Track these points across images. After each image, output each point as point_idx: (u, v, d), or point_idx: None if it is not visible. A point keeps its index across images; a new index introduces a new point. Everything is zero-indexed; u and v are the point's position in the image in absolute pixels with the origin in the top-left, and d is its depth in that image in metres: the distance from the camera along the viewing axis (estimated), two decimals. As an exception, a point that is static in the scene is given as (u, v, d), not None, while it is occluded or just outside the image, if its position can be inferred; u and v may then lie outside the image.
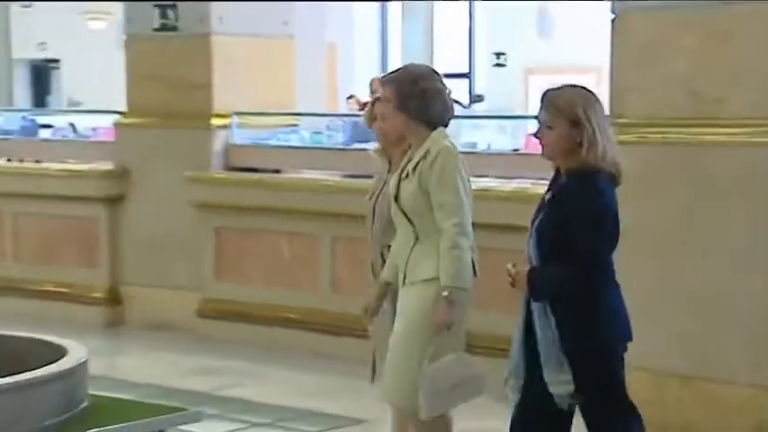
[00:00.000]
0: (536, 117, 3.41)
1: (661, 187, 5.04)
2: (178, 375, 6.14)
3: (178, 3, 7.29)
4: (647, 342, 5.06)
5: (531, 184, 5.89)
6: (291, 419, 5.30)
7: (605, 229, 3.26)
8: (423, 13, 13.87)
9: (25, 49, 16.10)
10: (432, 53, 13.84)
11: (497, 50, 14.32)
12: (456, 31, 14.44)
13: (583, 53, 12.62)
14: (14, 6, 15.25)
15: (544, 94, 3.37)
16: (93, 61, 14.94)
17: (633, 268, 5.07)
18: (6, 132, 8.86)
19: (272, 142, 7.46)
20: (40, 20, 15.77)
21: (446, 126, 3.88)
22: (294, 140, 7.40)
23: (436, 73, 3.92)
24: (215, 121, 7.36)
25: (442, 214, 3.71)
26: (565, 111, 3.28)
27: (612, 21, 5.33)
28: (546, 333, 3.26)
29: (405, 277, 3.76)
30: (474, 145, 7.03)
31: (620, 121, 5.06)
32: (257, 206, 6.99)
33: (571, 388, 3.24)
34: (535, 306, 3.29)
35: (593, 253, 3.23)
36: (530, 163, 5.95)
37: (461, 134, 7.09)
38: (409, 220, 3.78)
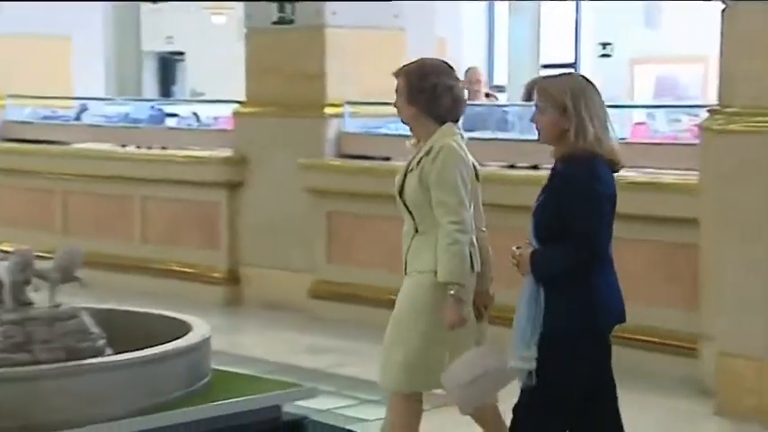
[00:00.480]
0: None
1: None
2: (292, 353, 6.22)
3: (295, -2, 7.36)
4: (746, 331, 4.95)
5: (637, 172, 5.79)
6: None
7: (601, 212, 3.22)
8: (530, 8, 13.73)
9: (154, 43, 16.48)
10: (538, 46, 13.68)
11: (604, 41, 14.07)
12: (562, 22, 14.25)
13: (690, 43, 12.31)
14: (146, 3, 15.61)
15: (539, 81, 3.37)
16: (214, 54, 15.21)
17: (729, 257, 4.97)
18: (135, 121, 9.08)
19: (383, 131, 7.48)
20: (167, 15, 16.12)
21: (456, 121, 3.80)
22: (403, 129, 7.38)
23: (450, 68, 3.85)
24: (328, 111, 7.41)
25: (441, 211, 3.65)
26: (554, 98, 3.26)
27: (722, 11, 5.19)
28: (529, 310, 3.21)
29: (405, 267, 3.74)
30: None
31: (729, 110, 4.93)
32: (368, 192, 7.01)
33: (531, 366, 3.18)
34: (527, 282, 3.24)
35: (588, 235, 3.19)
36: (636, 152, 5.85)
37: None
38: (410, 212, 3.73)
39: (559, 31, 14.27)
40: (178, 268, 7.99)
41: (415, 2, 8.14)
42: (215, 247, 7.89)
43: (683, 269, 5.69)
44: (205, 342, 2.49)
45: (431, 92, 3.73)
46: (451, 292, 3.58)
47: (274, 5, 7.46)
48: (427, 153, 3.72)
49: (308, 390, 2.49)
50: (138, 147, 8.88)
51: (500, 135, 7.02)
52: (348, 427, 3.73)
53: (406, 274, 3.75)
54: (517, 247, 3.28)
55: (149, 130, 8.89)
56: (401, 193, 3.76)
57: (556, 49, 13.93)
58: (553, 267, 3.21)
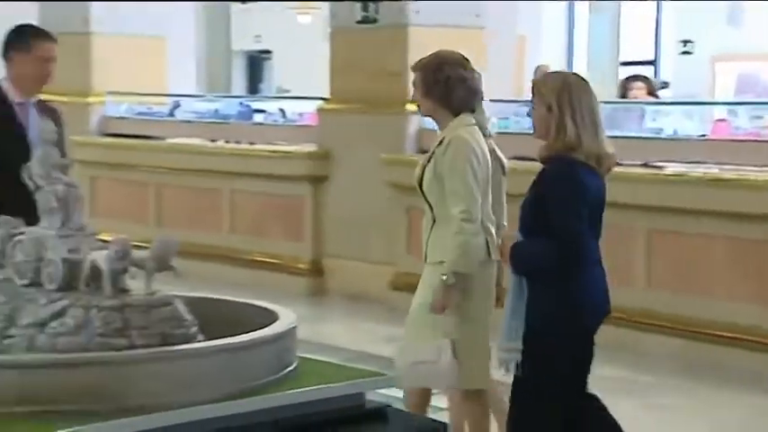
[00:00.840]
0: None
1: None
2: (373, 342, 6.25)
3: (379, -2, 7.38)
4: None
5: (719, 169, 5.69)
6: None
7: (578, 213, 3.17)
8: (610, 7, 13.54)
9: (242, 42, 16.68)
10: (618, 44, 13.48)
11: (685, 38, 13.80)
12: (643, 20, 14.02)
13: (774, 40, 12.02)
14: (235, 3, 15.81)
15: (536, 79, 3.36)
16: (300, 52, 15.32)
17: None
18: (225, 117, 9.21)
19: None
20: (256, 15, 16.30)
21: (473, 111, 3.78)
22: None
23: (465, 60, 3.82)
24: (410, 107, 7.41)
25: (451, 201, 3.64)
26: (542, 95, 3.24)
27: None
28: (515, 302, 3.20)
29: (426, 256, 3.75)
30: (659, 131, 6.82)
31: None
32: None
33: (517, 357, 3.16)
34: (512, 278, 3.23)
35: (562, 237, 3.15)
36: (717, 149, 5.75)
37: (646, 120, 6.89)
38: (428, 203, 3.73)
39: (640, 28, 14.04)
40: (264, 259, 8.08)
41: (497, 1, 8.10)
42: (299, 238, 7.96)
43: (764, 265, 5.57)
44: (291, 330, 2.51)
45: (445, 84, 3.73)
46: (443, 277, 3.59)
47: (358, 5, 7.49)
48: (440, 144, 3.73)
49: (390, 378, 2.50)
50: (227, 141, 9.00)
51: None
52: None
53: (425, 262, 3.78)
54: (508, 238, 3.30)
55: (238, 125, 9.00)
56: (420, 184, 3.77)
57: (636, 47, 13.72)
58: (529, 263, 3.21)
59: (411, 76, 8.12)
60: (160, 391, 2.21)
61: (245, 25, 16.37)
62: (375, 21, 7.45)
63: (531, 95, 3.31)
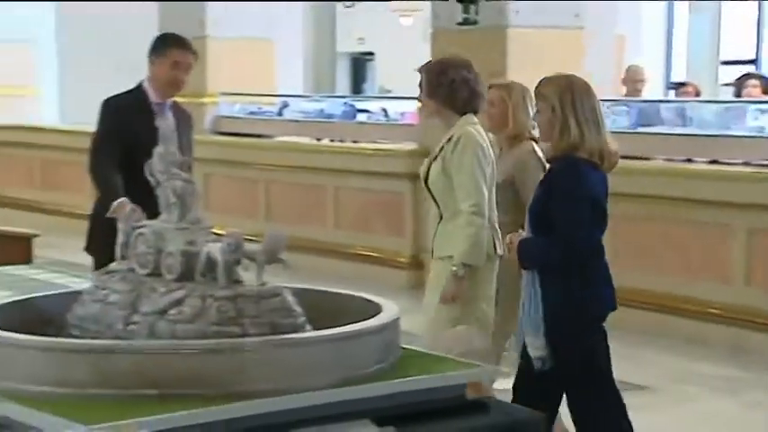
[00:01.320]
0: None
1: None
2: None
3: (480, -1, 7.37)
4: None
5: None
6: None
7: (583, 210, 3.22)
8: (710, 7, 13.20)
9: (346, 44, 16.81)
10: (718, 43, 13.14)
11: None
12: (743, 19, 13.63)
13: None
14: (339, 6, 15.95)
15: (538, 83, 3.39)
16: (401, 53, 15.35)
17: None
18: (329, 116, 9.30)
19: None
20: (360, 18, 16.40)
21: (476, 112, 3.83)
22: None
23: (468, 63, 3.87)
24: (508, 106, 7.37)
25: (460, 195, 3.67)
26: (545, 98, 3.28)
27: None
28: (530, 299, 3.21)
29: (432, 251, 3.77)
30: (762, 129, 6.63)
31: None
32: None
33: (544, 353, 3.17)
34: (525, 274, 3.25)
35: (565, 238, 3.19)
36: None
37: (747, 119, 6.71)
38: (434, 199, 3.74)
39: (740, 28, 13.65)
40: (367, 253, 8.14)
41: (596, 1, 7.98)
42: (400, 234, 7.99)
43: None
44: (395, 322, 2.53)
45: (449, 86, 3.78)
46: (453, 268, 3.62)
47: (459, 7, 7.48)
48: (448, 141, 3.76)
49: (490, 370, 2.50)
50: (331, 140, 9.09)
51: (678, 130, 6.81)
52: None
53: (432, 258, 3.81)
54: (517, 234, 3.33)
55: (342, 124, 9.08)
56: (426, 180, 3.80)
57: (736, 46, 13.34)
58: (535, 259, 3.23)
59: (510, 75, 8.13)
60: (272, 378, 2.25)
61: (349, 28, 16.48)
62: (475, 22, 7.43)
63: (535, 101, 3.36)
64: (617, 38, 10.02)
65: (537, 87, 3.35)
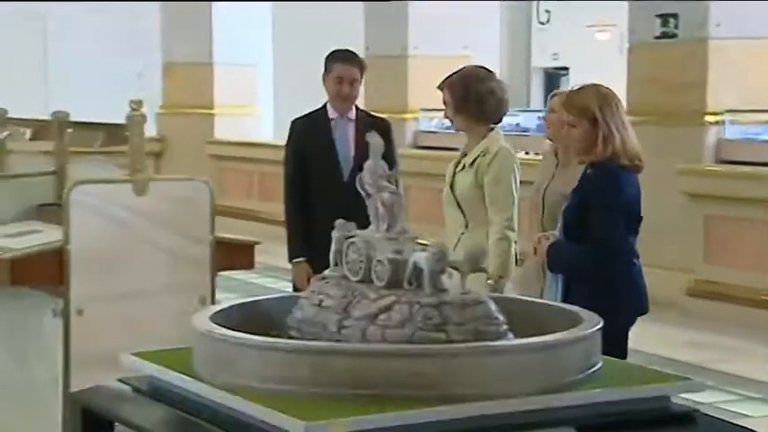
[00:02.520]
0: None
1: None
2: (671, 347, 6.02)
3: (679, 12, 7.13)
4: None
5: None
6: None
7: (619, 219, 3.22)
8: None
9: (541, 59, 16.66)
10: None
11: None
12: None
13: None
14: (534, 23, 15.85)
15: (565, 97, 3.38)
16: (595, 68, 15.05)
17: None
18: (525, 130, 9.23)
19: (763, 137, 7.04)
20: (554, 33, 16.22)
21: (499, 122, 3.77)
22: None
23: (490, 72, 3.77)
24: (708, 119, 7.10)
25: (494, 208, 3.59)
26: (584, 112, 3.24)
27: None
28: (548, 298, 3.14)
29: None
30: None
31: None
32: (748, 197, 6.62)
33: None
34: (549, 276, 3.20)
35: (604, 244, 3.17)
36: None
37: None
38: (461, 208, 3.65)
39: None
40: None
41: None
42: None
43: None
44: (597, 332, 2.47)
45: (476, 99, 3.71)
46: (489, 281, 3.52)
47: (658, 21, 7.27)
48: (483, 154, 3.70)
49: (696, 383, 2.39)
50: (526, 153, 9.01)
51: None
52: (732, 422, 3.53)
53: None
54: (539, 237, 3.28)
55: (536, 138, 8.98)
56: (452, 188, 3.76)
57: None
58: (566, 264, 3.17)
59: (710, 87, 7.83)
60: (477, 383, 2.25)
61: (544, 44, 16.32)
62: (675, 35, 7.20)
63: (564, 115, 3.33)
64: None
65: (570, 101, 3.31)
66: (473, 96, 3.77)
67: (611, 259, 3.19)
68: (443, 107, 3.89)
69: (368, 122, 4.56)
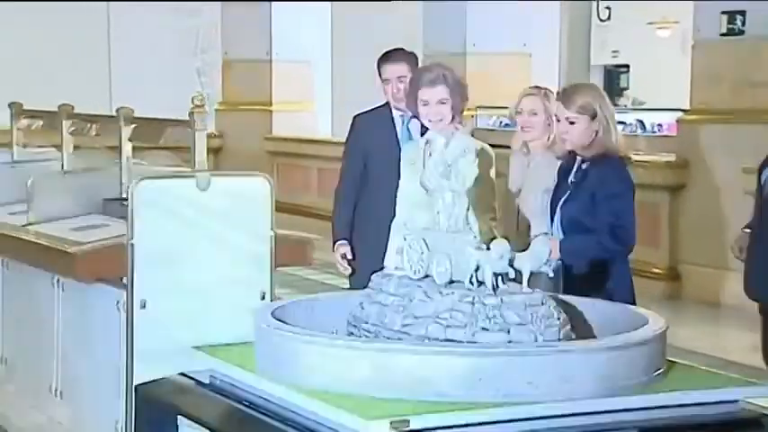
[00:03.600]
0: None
1: None
2: (736, 350, 5.91)
3: (746, 9, 6.98)
4: None
5: None
6: None
7: (632, 204, 3.32)
8: None
9: (600, 56, 16.48)
10: None
11: None
12: None
13: None
14: (594, 20, 15.68)
15: (560, 93, 3.42)
16: (656, 65, 14.84)
17: None
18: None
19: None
20: (615, 30, 16.03)
21: None
22: None
23: None
24: (773, 117, 6.95)
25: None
26: (585, 108, 3.32)
27: None
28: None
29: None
30: None
31: None
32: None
33: None
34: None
35: (625, 230, 3.26)
36: None
37: None
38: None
39: None
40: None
41: None
42: (656, 244, 7.71)
43: None
44: (662, 334, 2.43)
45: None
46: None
47: (724, 18, 7.12)
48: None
49: (766, 387, 2.34)
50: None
51: None
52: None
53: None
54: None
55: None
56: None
57: None
58: (585, 253, 3.21)
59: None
60: (540, 384, 2.23)
61: (604, 41, 16.14)
62: (742, 32, 7.05)
63: (559, 111, 3.35)
64: None
65: (569, 99, 3.34)
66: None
67: (627, 249, 3.33)
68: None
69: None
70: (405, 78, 4.37)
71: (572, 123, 3.37)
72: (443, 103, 3.62)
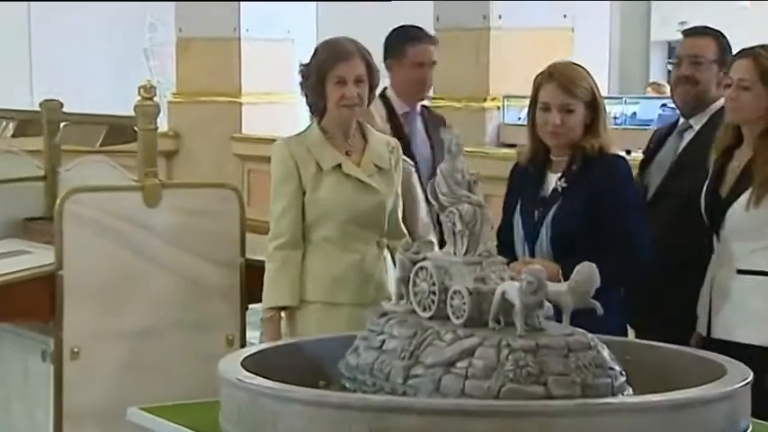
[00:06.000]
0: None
1: None
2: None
3: None
4: None
5: None
6: None
7: (643, 210, 3.40)
8: None
9: (663, 31, 16.53)
10: None
11: None
12: None
13: None
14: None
15: (552, 74, 3.40)
16: (740, 39, 14.89)
17: None
18: (644, 122, 9.12)
19: None
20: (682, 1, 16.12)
21: None
22: None
23: None
24: None
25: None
26: (585, 91, 3.35)
27: None
28: None
29: None
30: None
31: None
32: None
33: None
34: None
35: (643, 238, 3.28)
36: None
37: None
38: None
39: None
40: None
41: None
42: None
43: None
44: (744, 389, 2.44)
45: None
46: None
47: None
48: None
49: None
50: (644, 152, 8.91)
51: None
52: None
53: None
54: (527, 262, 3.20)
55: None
56: None
57: None
58: (610, 286, 2.81)
59: None
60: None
61: (667, 11, 16.21)
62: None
63: (557, 98, 3.39)
64: None
65: (565, 79, 3.39)
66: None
67: (646, 263, 3.30)
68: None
69: (431, 116, 4.59)
70: (434, 64, 4.46)
71: (569, 111, 3.41)
72: (361, 81, 3.59)
